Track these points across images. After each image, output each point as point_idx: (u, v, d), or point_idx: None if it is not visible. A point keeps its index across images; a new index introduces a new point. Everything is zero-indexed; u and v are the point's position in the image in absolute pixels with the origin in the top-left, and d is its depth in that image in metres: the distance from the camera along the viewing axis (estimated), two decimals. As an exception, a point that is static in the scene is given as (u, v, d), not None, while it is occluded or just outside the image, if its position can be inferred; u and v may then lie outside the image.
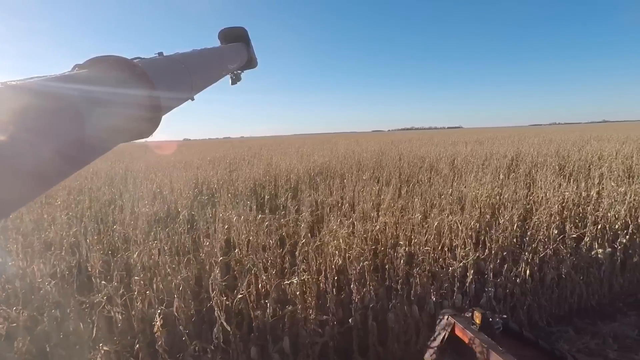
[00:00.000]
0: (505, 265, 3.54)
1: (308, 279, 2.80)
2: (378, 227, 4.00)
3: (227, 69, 1.69)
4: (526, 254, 3.64)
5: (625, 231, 4.19)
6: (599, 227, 4.18)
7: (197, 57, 1.38)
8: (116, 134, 0.86)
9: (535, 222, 4.14)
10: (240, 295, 2.72)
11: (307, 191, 6.36)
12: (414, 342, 3.13)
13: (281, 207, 5.66)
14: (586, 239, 4.05)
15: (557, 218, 4.35)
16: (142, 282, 2.98)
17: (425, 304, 3.19)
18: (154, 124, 1.00)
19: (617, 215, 4.36)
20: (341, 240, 3.34)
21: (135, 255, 3.38)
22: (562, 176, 6.83)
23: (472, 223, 3.99)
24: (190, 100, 1.28)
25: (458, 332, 2.05)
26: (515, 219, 4.19)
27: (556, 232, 4.09)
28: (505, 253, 3.65)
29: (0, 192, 0.52)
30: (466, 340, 1.97)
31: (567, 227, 4.07)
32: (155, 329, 2.54)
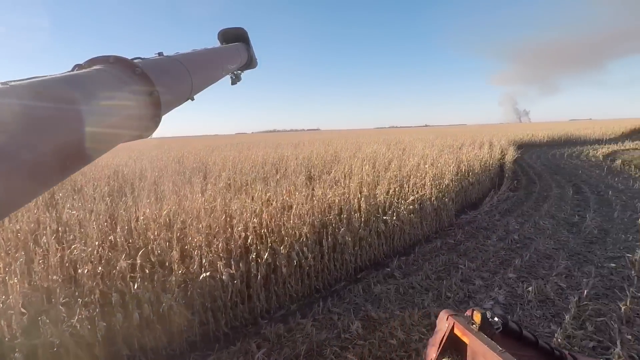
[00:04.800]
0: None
1: None
2: None
3: (227, 69, 1.66)
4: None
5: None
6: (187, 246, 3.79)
7: (197, 57, 1.37)
8: (116, 133, 0.84)
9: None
10: None
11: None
12: None
13: None
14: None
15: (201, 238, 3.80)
16: None
17: None
18: (154, 123, 1.00)
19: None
20: None
21: None
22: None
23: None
24: (190, 100, 1.27)
25: (457, 332, 1.96)
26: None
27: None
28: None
29: (0, 192, 0.52)
30: (466, 340, 1.89)
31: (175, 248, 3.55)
32: None
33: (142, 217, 4.48)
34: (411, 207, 6.07)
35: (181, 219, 4.35)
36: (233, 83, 2.15)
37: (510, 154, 11.75)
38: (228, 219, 4.29)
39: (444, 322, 2.29)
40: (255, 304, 4.00)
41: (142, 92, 0.93)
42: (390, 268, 5.27)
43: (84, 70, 0.82)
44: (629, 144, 23.12)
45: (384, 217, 5.49)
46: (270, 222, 4.28)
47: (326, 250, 4.71)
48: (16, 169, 0.54)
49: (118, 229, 4.17)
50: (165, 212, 4.72)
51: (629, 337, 3.63)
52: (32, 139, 0.58)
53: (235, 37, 1.93)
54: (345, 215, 4.99)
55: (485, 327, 2.14)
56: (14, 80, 0.62)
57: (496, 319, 2.18)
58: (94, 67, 0.85)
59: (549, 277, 4.99)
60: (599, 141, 28.38)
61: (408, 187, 6.33)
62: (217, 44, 1.88)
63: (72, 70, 0.84)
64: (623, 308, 4.09)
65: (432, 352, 2.32)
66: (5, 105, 0.56)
